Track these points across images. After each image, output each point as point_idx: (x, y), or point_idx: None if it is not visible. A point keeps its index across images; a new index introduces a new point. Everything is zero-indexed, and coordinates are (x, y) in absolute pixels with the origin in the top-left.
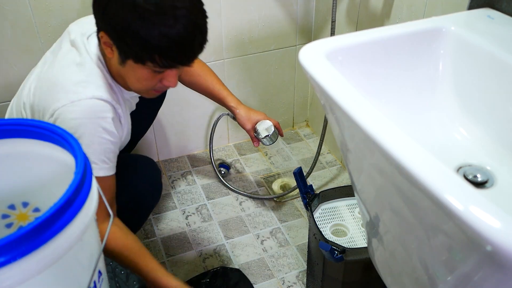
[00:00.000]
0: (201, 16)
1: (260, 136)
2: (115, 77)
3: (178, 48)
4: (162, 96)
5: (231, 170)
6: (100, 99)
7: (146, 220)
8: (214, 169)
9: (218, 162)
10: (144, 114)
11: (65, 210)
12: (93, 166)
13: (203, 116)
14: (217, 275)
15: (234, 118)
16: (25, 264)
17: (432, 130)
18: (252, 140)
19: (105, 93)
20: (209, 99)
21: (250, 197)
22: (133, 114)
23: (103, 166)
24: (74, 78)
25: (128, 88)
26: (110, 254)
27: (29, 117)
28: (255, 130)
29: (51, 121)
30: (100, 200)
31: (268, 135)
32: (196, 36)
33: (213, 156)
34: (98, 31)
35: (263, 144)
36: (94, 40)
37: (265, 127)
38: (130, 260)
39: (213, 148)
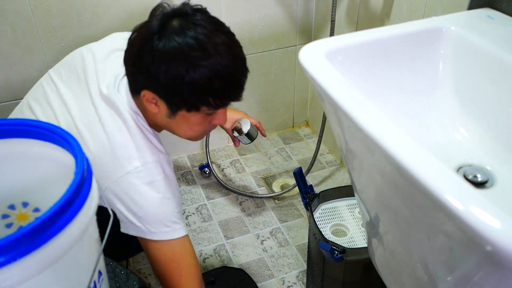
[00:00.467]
0: (239, 45)
1: (236, 135)
2: (154, 126)
3: (230, 86)
4: None
5: (216, 169)
6: (155, 162)
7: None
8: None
9: (199, 164)
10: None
11: (65, 210)
12: (177, 226)
13: None
14: (220, 275)
15: None
16: (25, 264)
17: (432, 130)
18: (232, 140)
19: (157, 154)
20: None
21: (249, 196)
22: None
23: (173, 228)
24: (126, 146)
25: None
26: None
27: None
28: (234, 129)
29: (112, 186)
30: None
31: (244, 133)
32: (242, 68)
33: (209, 157)
34: (137, 90)
35: (242, 142)
36: (124, 89)
37: (243, 126)
38: None
39: (213, 148)
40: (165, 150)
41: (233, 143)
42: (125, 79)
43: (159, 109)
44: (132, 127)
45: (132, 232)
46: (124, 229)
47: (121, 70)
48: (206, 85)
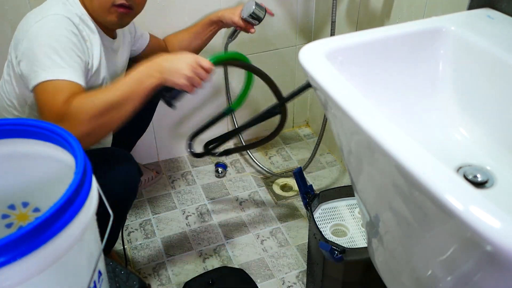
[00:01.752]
0: None
1: (245, 16)
2: (98, 24)
3: None
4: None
5: (229, 169)
6: (63, 15)
7: (124, 221)
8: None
9: (215, 162)
10: (141, 113)
11: (65, 210)
12: (59, 70)
13: (203, 117)
14: (220, 275)
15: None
16: (25, 264)
17: (432, 130)
18: (245, 29)
19: (69, 14)
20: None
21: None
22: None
23: (58, 69)
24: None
25: (113, 34)
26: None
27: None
28: (241, 17)
29: (23, 43)
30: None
31: (253, 11)
32: None
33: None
34: None
35: (253, 22)
36: None
37: (246, 8)
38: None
39: None
40: (90, 29)
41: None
42: None
43: None
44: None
45: (25, 72)
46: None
47: None
48: None
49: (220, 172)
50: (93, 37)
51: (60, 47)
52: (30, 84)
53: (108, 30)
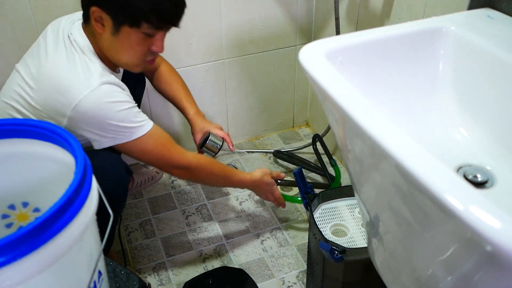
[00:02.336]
0: None
1: (201, 147)
2: (106, 61)
3: (171, 8)
4: (142, 81)
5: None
6: (106, 83)
7: (118, 221)
8: None
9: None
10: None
11: (65, 210)
12: (136, 128)
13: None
14: (220, 275)
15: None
16: (25, 264)
17: (432, 130)
18: (198, 150)
19: (107, 77)
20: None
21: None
22: None
23: (142, 124)
24: (76, 75)
25: (117, 70)
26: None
27: (31, 116)
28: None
29: (70, 118)
30: (164, 142)
31: (206, 144)
32: None
33: None
34: (88, 7)
35: (209, 153)
36: (78, 29)
37: (204, 139)
38: (217, 173)
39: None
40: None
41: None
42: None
43: (105, 29)
44: (80, 54)
45: (109, 143)
46: (98, 146)
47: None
48: (148, 2)
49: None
50: (119, 80)
51: (133, 117)
52: (114, 144)
53: (113, 66)
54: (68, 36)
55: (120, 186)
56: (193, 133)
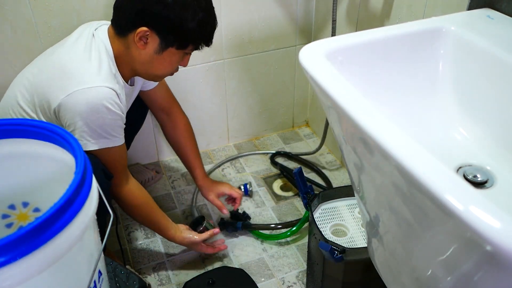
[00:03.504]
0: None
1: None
2: (123, 68)
3: (212, 32)
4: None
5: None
6: (108, 87)
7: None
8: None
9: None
10: (135, 112)
11: (65, 210)
12: (111, 139)
13: (203, 116)
14: (220, 275)
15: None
16: (25, 264)
17: (432, 130)
18: (219, 208)
19: (113, 84)
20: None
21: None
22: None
23: (120, 136)
24: (84, 67)
25: (130, 81)
26: (131, 209)
27: (27, 98)
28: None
29: (60, 105)
30: (116, 164)
31: (198, 229)
32: (216, 23)
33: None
34: (135, 25)
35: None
36: (103, 31)
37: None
38: (147, 217)
39: (214, 148)
40: (121, 91)
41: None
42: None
43: (147, 46)
44: (97, 50)
45: (85, 147)
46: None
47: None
48: (202, 32)
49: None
50: (122, 92)
51: (111, 129)
52: (87, 146)
53: (128, 78)
54: (93, 34)
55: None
56: (204, 195)
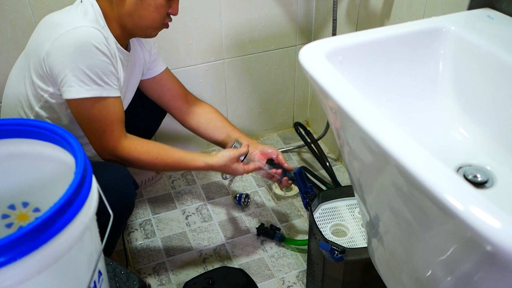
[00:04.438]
0: None
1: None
2: (117, 31)
3: None
4: (162, 113)
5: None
6: (95, 28)
7: (122, 231)
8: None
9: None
10: (148, 123)
11: (65, 210)
12: (104, 87)
13: None
14: (220, 275)
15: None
16: (25, 264)
17: (432, 130)
18: (281, 183)
19: (100, 28)
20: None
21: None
22: (135, 125)
23: (108, 88)
24: (70, 15)
25: (127, 46)
26: (143, 161)
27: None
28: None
29: (47, 53)
30: (112, 118)
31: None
32: None
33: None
34: None
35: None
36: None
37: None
38: (159, 162)
39: (214, 148)
40: (113, 50)
41: (278, 185)
42: None
43: None
44: (91, 12)
45: (75, 94)
46: (67, 94)
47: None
48: None
49: (227, 177)
50: (113, 46)
51: (103, 73)
52: (68, 95)
53: (123, 42)
54: (81, 1)
55: (128, 203)
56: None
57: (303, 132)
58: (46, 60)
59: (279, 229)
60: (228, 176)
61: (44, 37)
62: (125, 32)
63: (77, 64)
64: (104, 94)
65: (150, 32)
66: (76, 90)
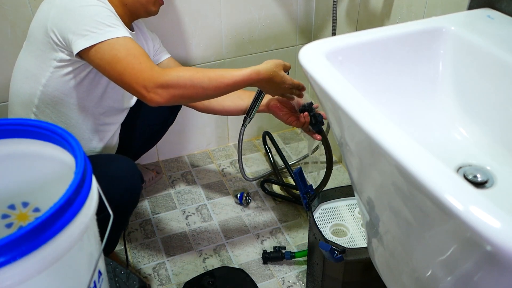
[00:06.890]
0: None
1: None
2: (122, 12)
3: None
4: (173, 112)
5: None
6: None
7: (125, 226)
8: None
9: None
10: (154, 130)
11: (65, 210)
12: (110, 28)
13: (203, 116)
14: (220, 275)
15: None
16: (25, 264)
17: (432, 130)
18: (312, 134)
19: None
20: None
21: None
22: (140, 128)
23: (115, 28)
24: None
25: (131, 26)
26: (184, 90)
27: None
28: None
29: (52, 19)
30: (135, 52)
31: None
32: None
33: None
34: None
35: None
36: None
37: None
38: (201, 76)
39: (214, 148)
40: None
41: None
42: None
43: None
44: None
45: (85, 43)
46: (76, 47)
47: None
48: None
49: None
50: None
51: (109, 17)
52: (83, 44)
53: (126, 23)
54: None
55: (133, 195)
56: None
57: (268, 142)
58: (52, 24)
59: (284, 247)
60: (243, 202)
61: (45, 9)
62: (127, 10)
63: (82, 13)
64: (116, 34)
65: (149, 7)
66: (90, 37)
